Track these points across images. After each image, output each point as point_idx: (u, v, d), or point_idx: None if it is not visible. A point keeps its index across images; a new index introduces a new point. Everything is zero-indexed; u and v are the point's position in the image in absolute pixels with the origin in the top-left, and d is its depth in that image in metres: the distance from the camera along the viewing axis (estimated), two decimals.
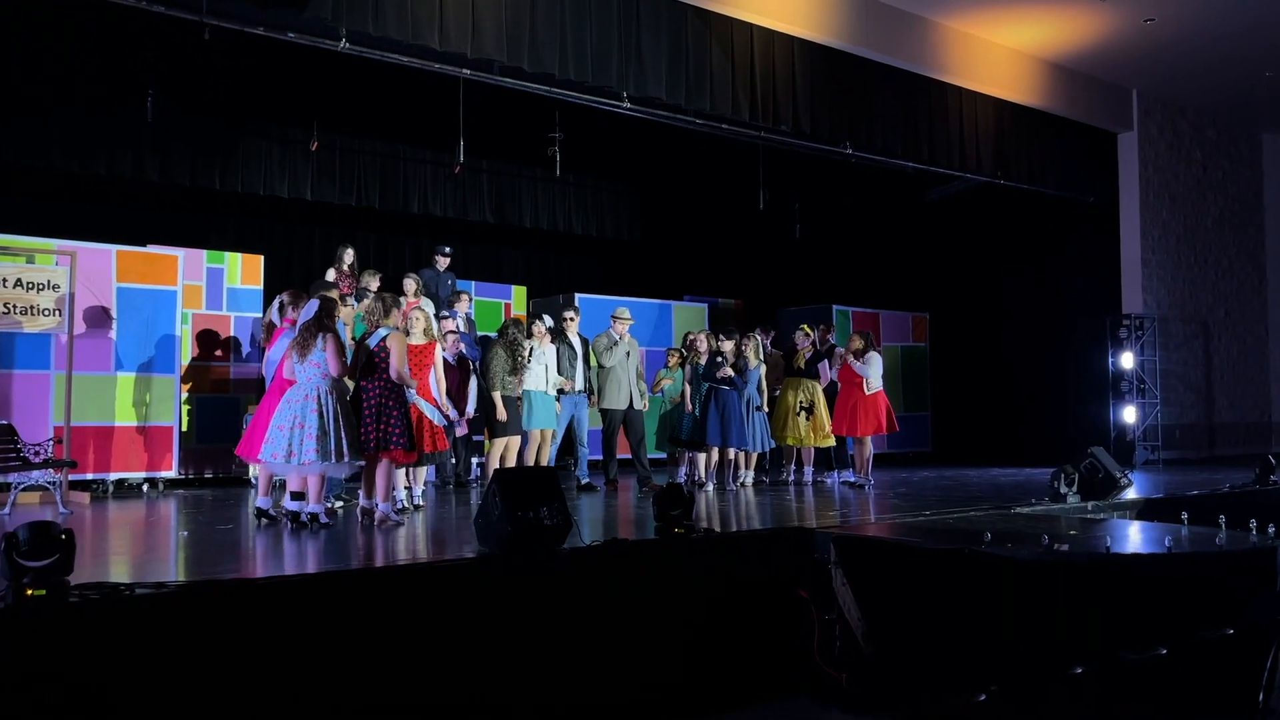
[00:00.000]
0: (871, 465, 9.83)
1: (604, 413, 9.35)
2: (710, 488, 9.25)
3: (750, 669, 5.67)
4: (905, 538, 5.84)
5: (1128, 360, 13.42)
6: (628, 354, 9.36)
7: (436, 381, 7.40)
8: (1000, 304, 14.87)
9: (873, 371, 9.51)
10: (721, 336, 9.44)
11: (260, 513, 6.57)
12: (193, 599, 3.90)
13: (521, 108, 11.32)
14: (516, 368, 7.93)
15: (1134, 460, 13.23)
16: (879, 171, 13.38)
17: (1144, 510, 7.92)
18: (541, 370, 8.42)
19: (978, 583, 5.06)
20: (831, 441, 10.11)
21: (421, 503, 7.65)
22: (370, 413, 6.53)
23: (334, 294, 6.77)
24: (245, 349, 10.67)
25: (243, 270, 10.75)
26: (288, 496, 6.51)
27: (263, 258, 10.94)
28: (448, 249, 10.93)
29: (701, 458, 9.88)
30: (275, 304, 7.37)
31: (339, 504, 7.41)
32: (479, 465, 11.07)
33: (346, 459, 6.28)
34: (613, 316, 9.57)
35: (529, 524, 4.87)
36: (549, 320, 8.79)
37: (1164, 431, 13.60)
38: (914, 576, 5.44)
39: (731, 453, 9.32)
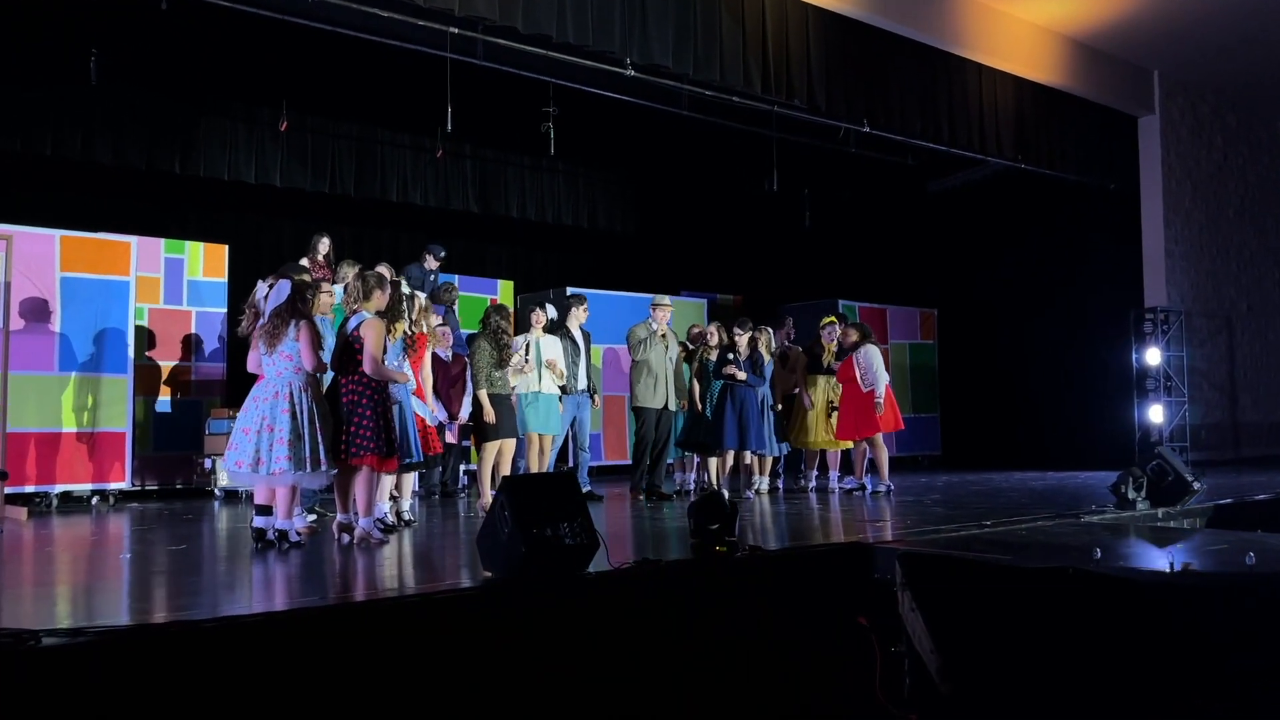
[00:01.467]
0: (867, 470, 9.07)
1: (637, 412, 8.50)
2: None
3: (803, 710, 4.78)
4: (987, 554, 4.97)
5: (1154, 356, 12.64)
6: (666, 348, 8.47)
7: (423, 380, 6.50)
8: (1014, 298, 14.09)
9: (876, 364, 8.63)
10: (737, 330, 8.55)
11: (258, 534, 5.54)
12: (115, 650, 2.96)
13: (509, 88, 10.41)
14: (503, 361, 6.98)
15: None
16: (878, 164, 12.66)
17: (1214, 517, 7.11)
18: (541, 366, 7.50)
19: (1088, 608, 4.19)
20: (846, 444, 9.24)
21: (411, 517, 6.70)
22: (344, 413, 5.60)
23: (309, 276, 5.82)
24: (209, 346, 9.70)
25: (205, 261, 9.78)
26: (252, 512, 5.56)
27: (227, 248, 9.98)
28: (442, 251, 9.96)
29: (714, 463, 8.99)
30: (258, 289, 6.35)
31: (312, 518, 6.45)
32: (468, 474, 10.17)
33: (324, 468, 5.34)
34: (652, 305, 8.70)
35: (546, 544, 3.96)
36: (551, 310, 7.87)
37: (1191, 432, 12.83)
38: (1004, 601, 4.56)
39: (748, 457, 8.42)
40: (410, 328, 6.42)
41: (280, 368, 5.43)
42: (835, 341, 9.25)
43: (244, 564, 4.99)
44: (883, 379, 8.59)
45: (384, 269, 6.75)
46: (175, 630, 3.12)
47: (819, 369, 9.14)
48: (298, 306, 5.50)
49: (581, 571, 4.12)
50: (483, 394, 6.95)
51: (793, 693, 4.80)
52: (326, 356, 5.89)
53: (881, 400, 8.53)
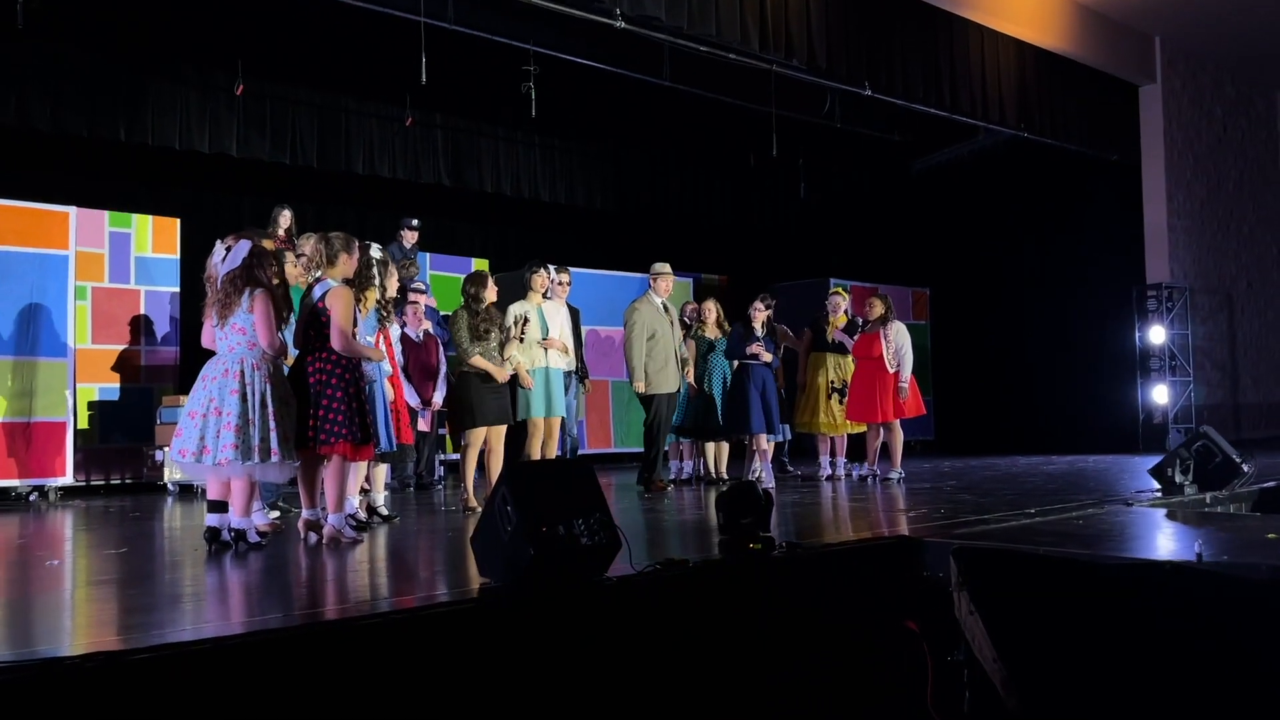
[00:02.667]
0: (879, 456, 8.47)
1: (646, 400, 7.69)
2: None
3: None
4: (1054, 548, 4.35)
5: (1157, 335, 12.15)
6: (671, 323, 7.76)
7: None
8: (1010, 276, 13.58)
9: (907, 343, 8.02)
10: (756, 306, 7.90)
11: (211, 534, 4.80)
12: (14, 693, 2.25)
13: (483, 53, 9.70)
14: (479, 334, 6.24)
15: (1168, 444, 11.95)
16: (864, 140, 12.30)
17: (1260, 500, 6.55)
18: (539, 338, 6.78)
19: (1193, 611, 3.57)
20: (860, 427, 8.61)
21: (387, 511, 5.99)
22: (308, 395, 4.89)
23: (270, 242, 5.07)
24: (160, 328, 8.91)
25: (154, 236, 8.99)
26: (206, 510, 4.83)
27: (179, 222, 9.19)
28: (415, 221, 9.23)
29: (711, 449, 8.35)
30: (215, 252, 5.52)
31: (275, 515, 5.72)
32: (443, 464, 9.46)
33: (276, 457, 4.61)
34: (651, 274, 7.94)
35: (560, 544, 3.28)
36: (553, 271, 7.13)
37: (1196, 413, 12.35)
38: (1082, 601, 3.94)
39: (763, 441, 7.76)
40: (383, 298, 5.70)
41: (232, 343, 4.70)
42: (842, 314, 8.63)
43: (194, 571, 4.26)
44: (910, 360, 7.99)
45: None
46: (93, 666, 2.40)
47: (824, 345, 8.50)
48: (254, 273, 4.77)
49: (600, 576, 3.44)
50: (476, 359, 6.20)
51: (836, 708, 4.16)
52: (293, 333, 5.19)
53: (907, 384, 7.92)
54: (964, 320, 13.83)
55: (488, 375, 6.24)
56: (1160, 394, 12.11)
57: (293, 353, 5.09)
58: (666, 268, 7.87)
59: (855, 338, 8.59)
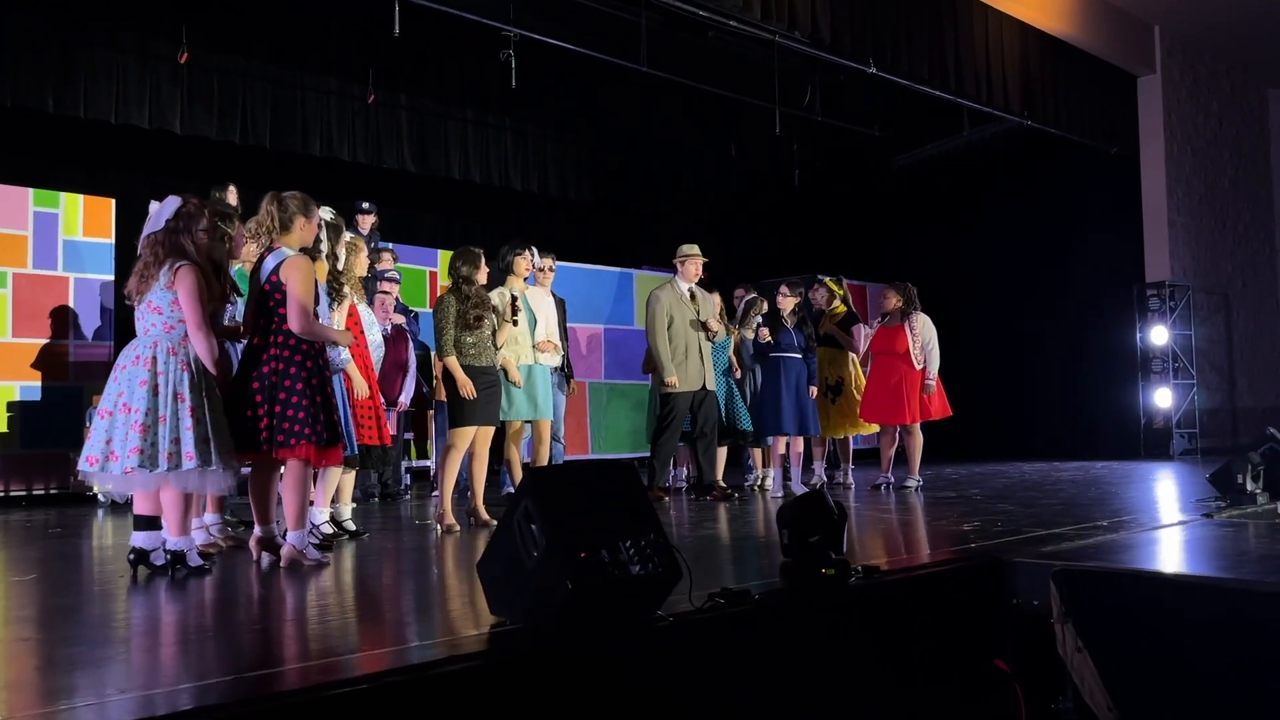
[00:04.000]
0: (854, 462, 7.79)
1: (664, 398, 6.83)
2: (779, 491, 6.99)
3: None
4: (1178, 573, 3.62)
5: (1160, 335, 11.60)
6: (698, 312, 6.94)
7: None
8: (1001, 274, 13.01)
9: (933, 336, 7.34)
10: (783, 290, 7.15)
11: (139, 557, 3.91)
12: None
13: (453, 28, 8.92)
14: (470, 323, 5.42)
15: (1171, 450, 11.42)
16: (845, 134, 11.86)
17: None
18: (527, 331, 5.95)
19: None
20: (869, 428, 7.90)
21: (356, 527, 5.13)
22: (260, 389, 4.03)
23: (196, 205, 4.18)
24: (91, 321, 7.96)
25: (85, 218, 8.05)
26: (135, 528, 3.95)
27: (113, 203, 8.25)
28: (366, 205, 8.35)
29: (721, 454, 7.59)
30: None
31: (218, 538, 4.83)
32: (408, 472, 8.60)
33: (192, 463, 3.75)
34: (678, 257, 7.09)
35: (605, 574, 2.47)
36: (539, 256, 6.32)
37: (1200, 419, 11.82)
38: (1220, 635, 3.21)
39: (800, 444, 7.04)
40: (334, 269, 4.85)
41: (148, 324, 3.87)
42: (839, 304, 7.93)
43: (112, 609, 3.38)
44: (938, 355, 7.29)
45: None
46: None
47: (817, 340, 7.74)
48: (178, 241, 3.91)
49: (652, 614, 2.64)
50: (450, 361, 5.37)
51: None
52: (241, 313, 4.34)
53: (934, 381, 7.22)
54: (954, 319, 13.14)
55: (483, 369, 5.41)
56: (1163, 397, 11.55)
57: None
58: (695, 249, 7.07)
59: (852, 331, 7.93)
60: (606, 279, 11.07)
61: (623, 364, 11.24)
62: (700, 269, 6.98)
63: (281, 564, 4.08)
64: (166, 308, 3.86)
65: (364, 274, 5.33)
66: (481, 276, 5.57)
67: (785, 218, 13.39)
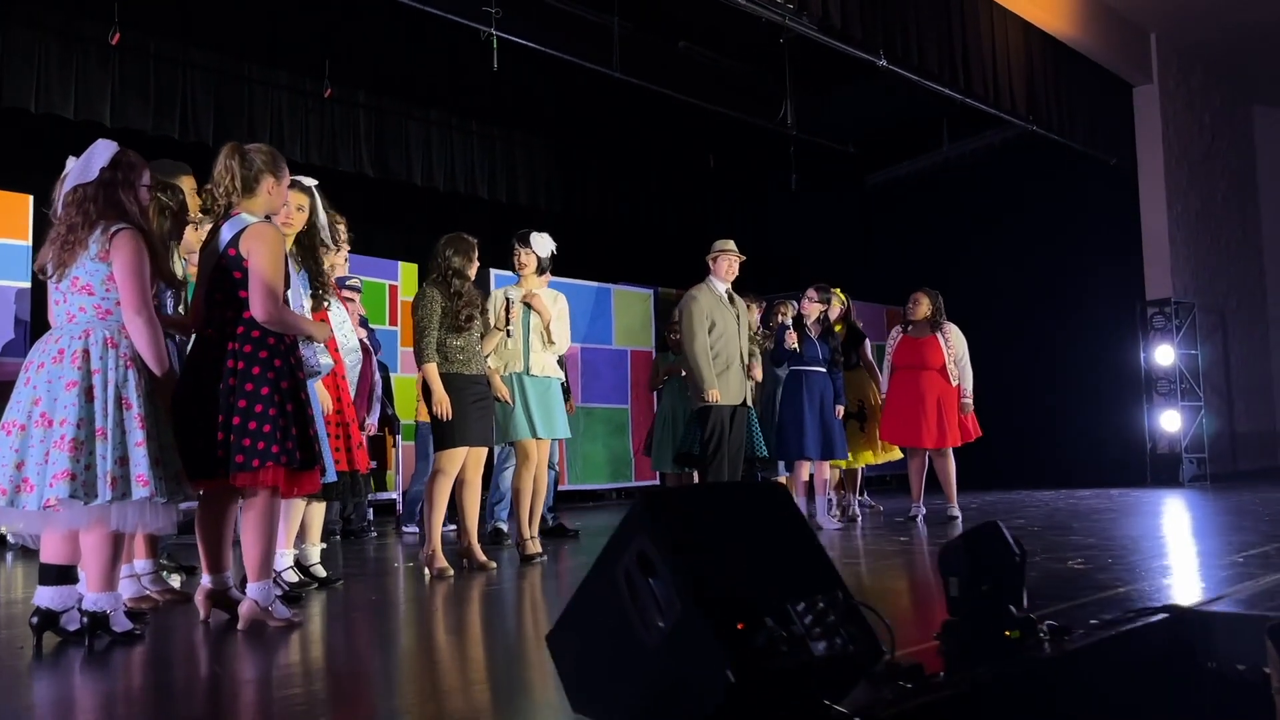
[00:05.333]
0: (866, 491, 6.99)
1: (700, 414, 5.92)
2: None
3: None
4: None
5: (1165, 355, 11.00)
6: (737, 316, 6.05)
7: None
8: (998, 291, 12.34)
9: (964, 349, 6.58)
10: (809, 296, 6.34)
11: (44, 621, 2.92)
12: None
13: (416, 23, 8.09)
14: (459, 324, 4.51)
15: (1181, 476, 10.79)
16: (819, 150, 11.41)
17: None
18: (521, 338, 5.02)
19: None
20: (887, 455, 7.11)
21: (327, 574, 4.16)
22: (214, 395, 3.08)
23: (138, 156, 3.27)
24: (3, 333, 6.90)
25: None
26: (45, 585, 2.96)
27: (31, 200, 7.19)
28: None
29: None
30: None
31: (152, 591, 3.83)
32: (370, 505, 7.61)
33: (145, 490, 2.81)
34: (713, 255, 6.19)
35: (778, 656, 1.56)
36: (543, 244, 5.40)
37: (1209, 443, 11.24)
38: None
39: (826, 470, 6.17)
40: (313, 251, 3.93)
41: (74, 307, 2.93)
42: (837, 320, 7.16)
43: (3, 696, 2.40)
44: (970, 370, 6.53)
45: None
46: None
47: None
48: (116, 197, 2.98)
49: (838, 712, 1.74)
50: (430, 369, 4.44)
51: None
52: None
53: (970, 399, 6.46)
54: None
55: (473, 378, 4.49)
56: (1170, 420, 10.94)
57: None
58: (730, 244, 6.21)
59: (861, 350, 7.19)
60: (582, 294, 10.22)
61: (600, 386, 10.37)
62: (736, 267, 6.13)
63: (239, 626, 3.12)
64: (100, 285, 2.92)
65: (343, 274, 4.43)
66: (473, 270, 4.67)
67: (763, 234, 12.67)
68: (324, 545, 4.37)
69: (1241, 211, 13.48)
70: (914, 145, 12.94)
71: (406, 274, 9.84)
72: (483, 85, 9.82)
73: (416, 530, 7.13)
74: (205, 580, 3.28)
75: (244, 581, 3.25)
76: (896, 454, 7.08)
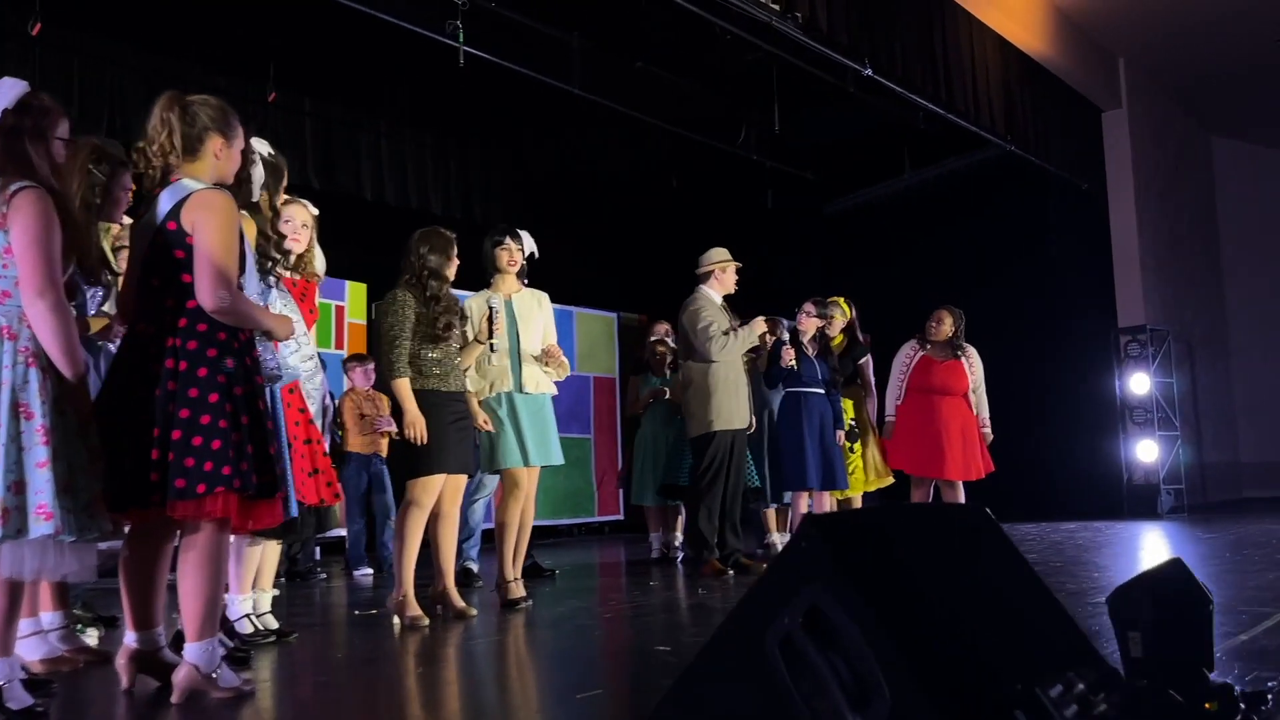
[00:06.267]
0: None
1: (703, 440, 5.35)
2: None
3: None
4: None
5: (1141, 384, 10.71)
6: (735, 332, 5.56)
7: None
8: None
9: (982, 373, 6.14)
10: (808, 309, 5.83)
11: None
12: None
13: (368, 28, 7.53)
14: (437, 333, 3.91)
15: (1159, 507, 10.47)
16: (781, 176, 11.09)
17: None
18: (507, 351, 4.40)
19: None
20: (886, 481, 6.62)
21: (279, 625, 3.50)
22: (149, 404, 2.44)
23: (51, 102, 2.65)
24: None
25: None
26: None
27: None
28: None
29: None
30: None
31: (64, 651, 3.13)
32: (318, 545, 6.88)
33: (48, 525, 2.16)
34: (705, 265, 5.74)
35: None
36: (529, 242, 4.83)
37: (1187, 474, 10.96)
38: None
39: (827, 501, 5.62)
40: (273, 231, 3.33)
41: None
42: (839, 334, 6.69)
43: None
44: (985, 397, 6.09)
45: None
46: None
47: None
48: (21, 148, 2.37)
49: None
50: (402, 385, 3.82)
51: None
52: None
53: (989, 427, 6.00)
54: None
55: (452, 395, 3.88)
56: (1147, 450, 10.63)
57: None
58: (725, 254, 5.72)
59: (861, 367, 6.74)
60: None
61: (561, 414, 9.75)
62: (734, 280, 5.62)
63: (174, 698, 2.46)
64: None
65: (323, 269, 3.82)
66: (452, 270, 4.08)
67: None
68: (276, 591, 3.70)
69: (1204, 241, 13.39)
70: (875, 173, 12.68)
71: (354, 294, 9.21)
72: (438, 96, 9.30)
73: (370, 571, 6.43)
74: (130, 638, 2.62)
75: (180, 640, 2.60)
76: (888, 480, 6.59)
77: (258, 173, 3.22)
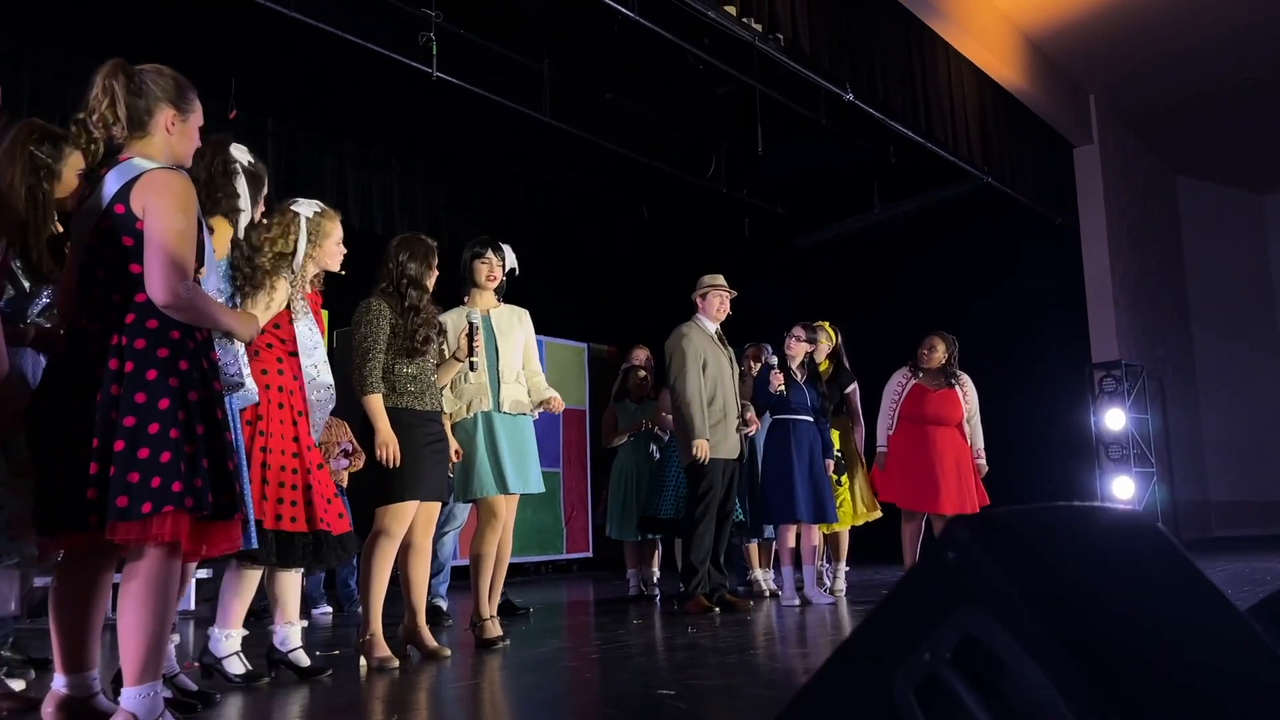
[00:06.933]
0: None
1: (696, 469, 5.06)
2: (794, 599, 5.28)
3: None
4: None
5: (1116, 419, 10.59)
6: (729, 360, 5.35)
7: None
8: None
9: (976, 402, 5.94)
10: (797, 334, 5.60)
11: None
12: None
13: (331, 50, 7.30)
14: (414, 346, 3.62)
15: None
16: (751, 209, 11.02)
17: None
18: (486, 369, 4.10)
19: None
20: (875, 515, 6.37)
21: (247, 667, 3.16)
22: (88, 413, 2.12)
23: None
24: None
25: None
26: None
27: None
28: None
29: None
30: None
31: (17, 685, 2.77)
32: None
33: None
34: (702, 291, 5.46)
35: None
36: (509, 255, 4.57)
37: (1163, 513, 10.82)
38: None
39: (816, 535, 5.34)
40: (260, 244, 3.03)
41: None
42: (825, 360, 6.45)
43: None
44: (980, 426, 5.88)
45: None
46: None
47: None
48: None
49: None
50: (374, 400, 3.51)
51: None
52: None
53: (984, 458, 5.79)
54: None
55: (427, 414, 3.57)
56: (1123, 487, 10.48)
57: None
58: (720, 279, 5.50)
59: (849, 395, 6.51)
60: None
61: None
62: (728, 305, 5.39)
63: None
64: None
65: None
66: (432, 279, 3.80)
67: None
68: (305, 623, 3.37)
69: (1172, 279, 13.40)
70: (846, 207, 12.60)
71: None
72: (406, 119, 9.05)
73: (329, 610, 6.06)
74: (59, 683, 2.27)
75: (119, 683, 2.25)
76: (877, 514, 6.34)
77: (241, 184, 2.93)
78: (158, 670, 2.20)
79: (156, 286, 2.18)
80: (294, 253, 3.22)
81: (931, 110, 8.56)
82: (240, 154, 3.01)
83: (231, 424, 2.64)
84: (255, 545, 2.81)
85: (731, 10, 6.52)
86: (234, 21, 7.92)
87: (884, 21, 8.06)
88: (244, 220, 2.93)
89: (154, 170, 2.27)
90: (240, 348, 2.65)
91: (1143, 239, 12.41)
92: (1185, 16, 9.66)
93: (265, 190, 3.19)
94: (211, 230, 2.75)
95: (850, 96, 7.64)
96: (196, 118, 2.49)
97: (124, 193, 2.24)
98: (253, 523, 2.75)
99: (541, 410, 4.16)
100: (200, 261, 2.32)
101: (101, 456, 2.08)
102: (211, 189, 2.85)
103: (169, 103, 2.40)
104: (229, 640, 3.10)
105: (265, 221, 3.18)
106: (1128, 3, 9.48)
